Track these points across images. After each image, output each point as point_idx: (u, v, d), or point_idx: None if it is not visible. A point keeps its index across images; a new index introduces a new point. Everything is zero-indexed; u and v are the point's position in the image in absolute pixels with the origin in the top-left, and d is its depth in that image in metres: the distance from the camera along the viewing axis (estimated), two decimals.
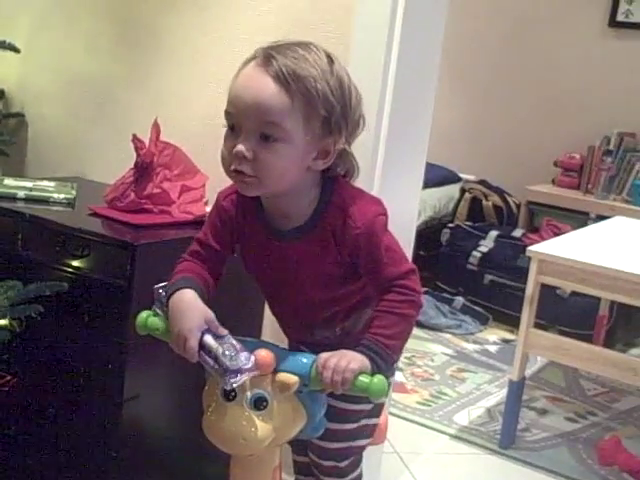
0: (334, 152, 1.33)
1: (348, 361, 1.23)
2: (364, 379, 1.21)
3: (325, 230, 1.35)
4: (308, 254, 1.37)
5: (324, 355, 1.26)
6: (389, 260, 1.34)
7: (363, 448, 1.57)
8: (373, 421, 1.56)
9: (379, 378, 1.21)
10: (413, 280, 1.35)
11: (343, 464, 1.55)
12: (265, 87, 1.26)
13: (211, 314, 1.31)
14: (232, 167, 1.29)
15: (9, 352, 2.00)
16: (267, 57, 1.28)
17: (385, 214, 1.38)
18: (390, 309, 1.32)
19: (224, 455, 1.39)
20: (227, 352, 1.21)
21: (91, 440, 1.93)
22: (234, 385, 1.19)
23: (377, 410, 1.56)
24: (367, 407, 1.51)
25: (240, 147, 1.26)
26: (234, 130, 1.30)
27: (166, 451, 2.07)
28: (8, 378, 2.06)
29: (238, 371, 1.19)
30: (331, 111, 1.29)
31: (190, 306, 1.32)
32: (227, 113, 1.31)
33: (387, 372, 1.29)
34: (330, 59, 1.32)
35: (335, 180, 1.39)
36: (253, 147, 1.27)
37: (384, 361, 1.28)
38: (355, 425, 1.52)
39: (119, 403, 1.87)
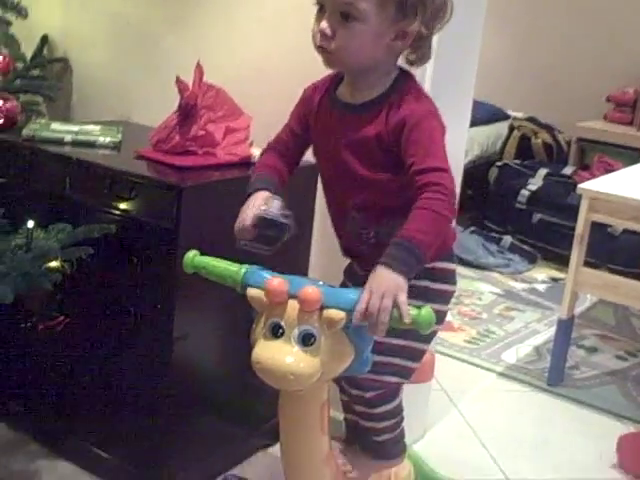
0: (411, 34, 1.41)
1: (387, 301, 1.23)
2: (411, 312, 1.20)
3: (382, 110, 1.43)
4: (361, 125, 1.45)
5: (363, 300, 1.25)
6: (431, 150, 1.38)
7: (391, 385, 1.57)
8: (403, 362, 1.56)
9: (426, 310, 1.20)
10: (447, 179, 1.36)
11: (368, 395, 1.56)
12: None
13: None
14: (316, 42, 1.43)
15: (61, 293, 2.04)
16: None
17: (439, 117, 1.44)
18: (426, 207, 1.33)
19: (273, 392, 1.41)
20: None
21: (142, 379, 1.97)
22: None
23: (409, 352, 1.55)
24: None
25: (323, 24, 1.39)
26: (321, 10, 1.42)
27: (216, 389, 2.11)
28: (61, 318, 2.11)
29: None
30: None
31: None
32: None
33: (417, 271, 1.30)
34: None
35: (408, 76, 1.49)
36: (333, 25, 1.39)
37: (416, 259, 1.29)
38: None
39: (169, 342, 1.90)
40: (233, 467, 2.14)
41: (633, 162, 3.57)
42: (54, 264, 1.93)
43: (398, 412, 1.64)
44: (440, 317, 1.51)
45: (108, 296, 2.01)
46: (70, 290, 2.03)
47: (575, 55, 4.71)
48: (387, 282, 1.25)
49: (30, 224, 1.90)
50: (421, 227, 1.31)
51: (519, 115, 4.68)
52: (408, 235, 1.30)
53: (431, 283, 1.53)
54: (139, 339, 1.96)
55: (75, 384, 2.13)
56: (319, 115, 1.55)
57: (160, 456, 1.99)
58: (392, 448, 1.67)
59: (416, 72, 2.00)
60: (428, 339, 1.55)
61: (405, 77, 1.48)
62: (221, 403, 2.13)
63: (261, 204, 1.47)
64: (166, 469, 1.99)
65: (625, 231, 3.77)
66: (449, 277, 1.58)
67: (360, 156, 1.47)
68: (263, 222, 1.42)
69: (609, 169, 3.80)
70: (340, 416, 1.88)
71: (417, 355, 1.58)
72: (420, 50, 1.47)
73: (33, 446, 2.20)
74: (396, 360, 1.54)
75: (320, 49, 1.42)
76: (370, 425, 1.62)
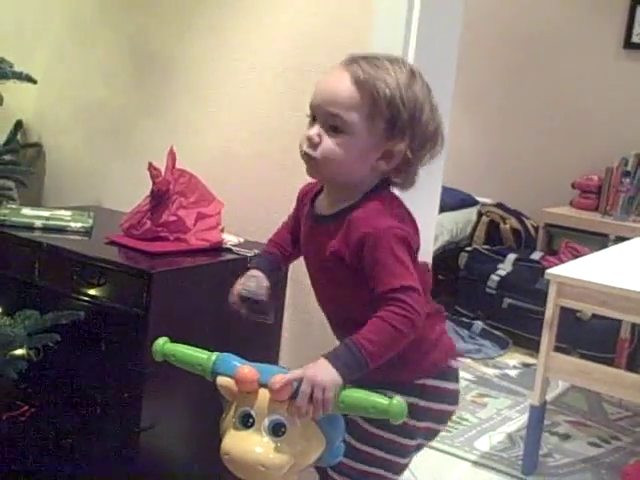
0: (397, 156, 1.40)
1: (323, 388, 1.23)
2: (382, 401, 1.19)
3: (345, 224, 1.40)
4: (326, 239, 1.42)
5: (297, 374, 1.25)
6: (395, 270, 1.34)
7: (376, 477, 1.51)
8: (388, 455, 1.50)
9: (397, 400, 1.19)
10: (414, 298, 1.33)
11: None
12: (339, 81, 1.39)
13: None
14: (302, 148, 1.42)
15: (26, 382, 2.00)
16: (352, 59, 1.41)
17: (403, 231, 1.38)
18: (383, 318, 1.31)
19: None
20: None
21: (109, 470, 1.93)
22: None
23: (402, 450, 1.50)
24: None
25: (311, 131, 1.40)
26: (314, 120, 1.42)
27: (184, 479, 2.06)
28: (25, 408, 2.06)
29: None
30: (397, 115, 1.38)
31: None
32: (310, 104, 1.44)
33: (357, 375, 1.27)
34: (412, 74, 1.42)
35: (383, 189, 1.44)
36: (321, 134, 1.39)
37: (358, 365, 1.27)
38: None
39: (136, 432, 1.87)
40: None
41: (600, 247, 3.63)
42: (19, 352, 1.90)
43: None
44: (431, 434, 1.52)
45: (75, 384, 1.98)
46: (35, 378, 2.00)
47: (541, 144, 4.83)
48: (323, 374, 1.25)
49: None
50: (372, 337, 1.29)
51: (487, 201, 4.76)
52: (357, 341, 1.29)
53: (420, 400, 1.46)
54: (106, 429, 1.93)
55: (41, 474, 2.06)
56: (303, 220, 1.55)
57: None
58: None
59: None
60: (411, 435, 1.48)
61: (377, 189, 1.44)
62: None
63: (244, 282, 1.52)
64: None
65: (594, 316, 3.79)
66: (444, 396, 1.51)
67: (324, 271, 1.46)
68: (245, 297, 1.50)
69: (576, 254, 3.86)
70: None
71: (402, 450, 1.50)
72: (404, 174, 1.45)
73: None
74: (380, 452, 1.48)
75: (305, 156, 1.41)
76: None
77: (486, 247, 4.50)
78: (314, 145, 1.39)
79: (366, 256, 1.36)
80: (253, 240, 2.18)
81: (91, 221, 2.22)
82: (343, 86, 1.38)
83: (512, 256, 4.31)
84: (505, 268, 4.28)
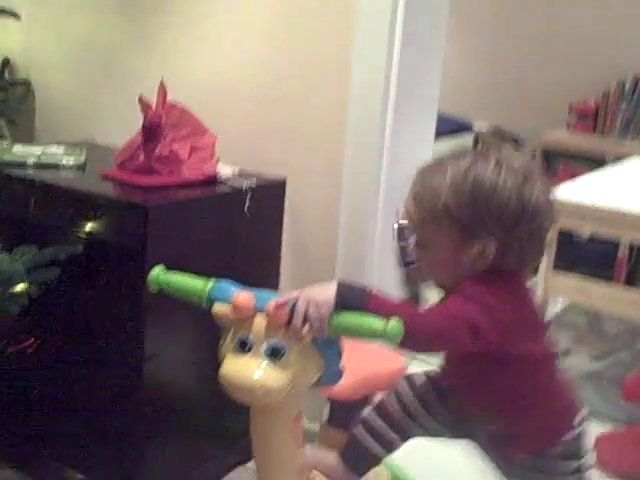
0: (488, 253, 1.35)
1: (317, 306, 1.23)
2: (379, 324, 1.19)
3: None
4: None
5: (294, 295, 1.25)
6: (464, 291, 1.33)
7: None
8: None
9: (394, 322, 1.19)
10: (460, 320, 1.28)
11: None
12: (409, 204, 1.41)
13: None
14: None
15: (29, 316, 2.02)
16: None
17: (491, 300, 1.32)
18: (413, 308, 1.33)
19: (245, 409, 1.40)
20: None
21: (113, 400, 1.95)
22: None
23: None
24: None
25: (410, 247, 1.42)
26: None
27: (189, 407, 2.09)
28: (31, 340, 2.08)
29: None
30: (462, 218, 1.34)
31: None
32: None
33: (354, 306, 1.26)
34: (471, 166, 1.36)
35: (488, 273, 1.38)
36: (419, 252, 1.42)
37: (357, 302, 1.25)
38: None
39: (139, 362, 1.89)
40: None
41: (597, 170, 3.61)
42: (20, 287, 1.91)
43: None
44: None
45: (77, 317, 1.99)
46: (38, 312, 2.01)
47: (538, 66, 4.76)
48: (318, 293, 1.24)
49: None
50: (386, 302, 1.27)
51: (483, 126, 4.72)
52: (371, 291, 1.28)
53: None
54: (109, 359, 1.95)
55: (47, 406, 2.10)
56: None
57: (135, 477, 1.97)
58: None
59: (379, 87, 2.04)
60: None
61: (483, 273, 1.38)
62: (195, 421, 2.12)
63: None
64: None
65: (591, 238, 3.80)
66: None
67: None
68: None
69: (574, 177, 3.83)
70: (314, 427, 1.88)
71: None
72: (513, 259, 1.38)
73: (6, 471, 2.17)
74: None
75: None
76: None
77: None
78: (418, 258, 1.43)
79: None
80: (248, 170, 2.17)
81: (84, 157, 2.21)
82: (409, 206, 1.40)
83: None
84: None
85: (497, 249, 1.35)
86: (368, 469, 1.64)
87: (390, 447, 1.60)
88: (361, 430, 1.59)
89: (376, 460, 1.62)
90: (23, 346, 2.09)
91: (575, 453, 1.49)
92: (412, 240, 1.43)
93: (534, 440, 1.47)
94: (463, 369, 1.48)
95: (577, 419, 1.49)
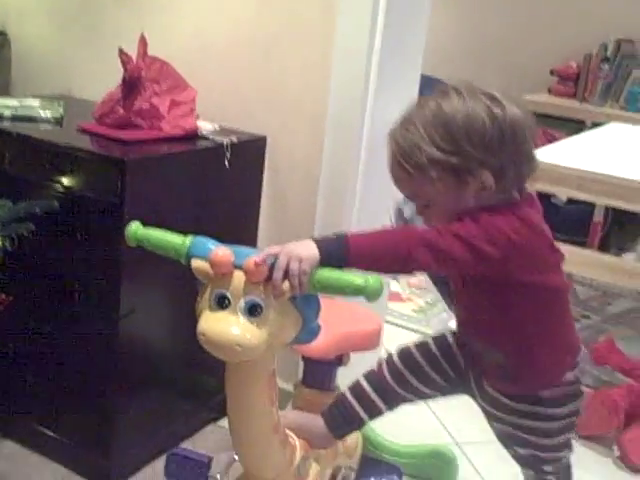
0: (488, 185, 1.33)
1: (299, 260, 1.21)
2: (358, 280, 1.20)
3: None
4: None
5: (274, 251, 1.23)
6: (464, 223, 1.30)
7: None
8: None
9: (375, 278, 1.20)
10: (449, 242, 1.27)
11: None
12: (395, 170, 1.38)
13: None
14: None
15: (3, 272, 2.00)
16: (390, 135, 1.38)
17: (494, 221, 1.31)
18: (393, 231, 1.33)
19: (220, 366, 1.40)
20: None
21: (89, 356, 1.95)
22: None
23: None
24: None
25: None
26: None
27: (163, 365, 2.10)
28: (3, 297, 2.06)
29: None
30: (449, 160, 1.32)
31: None
32: None
33: (334, 265, 1.24)
34: (441, 100, 1.35)
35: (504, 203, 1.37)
36: (416, 210, 1.41)
37: (338, 255, 1.24)
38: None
39: (115, 319, 1.88)
40: (182, 441, 2.13)
41: (577, 133, 3.62)
42: None
43: None
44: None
45: (52, 274, 1.98)
46: (13, 268, 1.99)
47: (520, 30, 4.73)
48: (301, 248, 1.23)
49: None
50: (364, 240, 1.27)
51: None
52: (347, 235, 1.27)
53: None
54: (85, 316, 1.94)
55: (19, 362, 2.09)
56: None
57: (108, 433, 1.98)
58: None
59: (363, 45, 2.02)
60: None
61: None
62: (169, 378, 2.13)
63: None
64: (115, 446, 1.98)
65: (569, 201, 3.83)
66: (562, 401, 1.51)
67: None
68: None
69: (553, 141, 3.84)
70: (288, 386, 1.89)
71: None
72: (507, 181, 1.36)
73: None
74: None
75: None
76: None
77: None
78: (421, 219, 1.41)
79: None
80: (229, 127, 2.15)
81: (61, 110, 2.18)
82: (395, 171, 1.38)
83: None
84: None
85: (494, 178, 1.33)
86: (349, 432, 1.65)
87: (375, 414, 1.61)
88: (349, 394, 1.61)
89: (360, 425, 1.63)
90: None
91: (572, 395, 1.50)
92: (410, 214, 1.44)
93: (537, 377, 1.47)
94: (473, 299, 1.46)
95: (578, 359, 1.51)
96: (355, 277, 1.21)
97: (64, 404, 2.03)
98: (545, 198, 3.49)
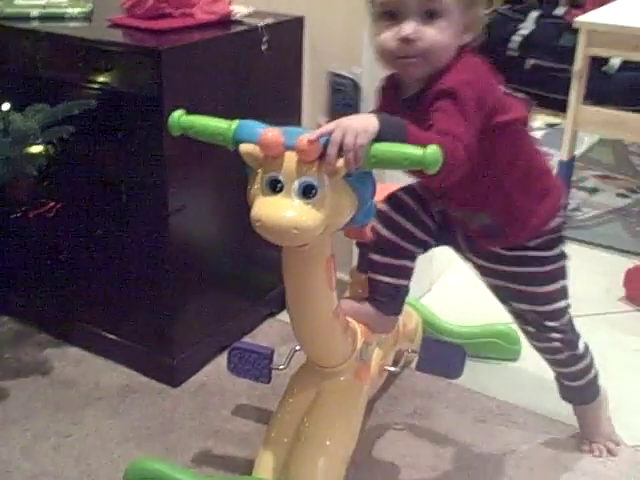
0: (477, 24, 1.36)
1: (355, 134, 1.15)
2: (417, 151, 1.13)
3: (428, 98, 1.31)
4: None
5: (329, 126, 1.18)
6: (454, 116, 1.24)
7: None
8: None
9: (432, 148, 1.13)
10: (457, 147, 1.21)
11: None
12: None
13: None
14: (400, 53, 1.32)
15: (48, 178, 1.97)
16: None
17: (480, 83, 1.31)
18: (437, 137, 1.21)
19: (275, 260, 1.37)
20: None
21: (141, 257, 1.93)
22: None
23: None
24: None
25: (407, 29, 1.29)
26: (392, 17, 1.32)
27: (217, 261, 2.08)
28: (51, 204, 2.05)
29: None
30: None
31: None
32: (382, 3, 1.33)
33: (391, 136, 1.19)
34: None
35: (464, 51, 1.36)
36: (418, 27, 1.30)
37: (398, 132, 1.19)
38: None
39: (165, 216, 1.85)
40: (243, 337, 2.13)
41: None
42: (36, 148, 1.86)
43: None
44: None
45: (97, 175, 1.94)
46: (57, 174, 1.97)
47: None
48: (357, 120, 1.18)
49: (5, 107, 1.81)
50: (421, 135, 1.21)
51: None
52: (407, 123, 1.21)
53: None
54: (134, 216, 1.91)
55: (74, 269, 2.09)
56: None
57: (167, 332, 1.98)
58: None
59: None
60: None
61: (458, 55, 1.35)
62: (224, 275, 2.11)
63: None
64: (177, 344, 1.99)
65: (621, 68, 3.66)
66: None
67: None
68: None
69: (605, 3, 3.65)
70: (346, 277, 1.85)
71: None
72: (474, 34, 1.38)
73: (40, 336, 2.20)
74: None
75: (402, 59, 1.32)
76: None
77: (505, 7, 4.28)
78: (411, 43, 1.29)
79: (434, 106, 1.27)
80: (263, 10, 2.05)
81: (90, 5, 2.10)
82: None
83: (534, 14, 4.09)
84: (527, 27, 4.07)
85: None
86: (397, 306, 1.63)
87: (401, 273, 1.61)
88: (370, 271, 1.61)
89: (400, 293, 1.62)
90: (44, 210, 2.06)
91: (558, 239, 1.56)
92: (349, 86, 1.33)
93: (523, 227, 1.50)
94: None
95: (562, 202, 1.55)
96: (412, 148, 1.14)
97: (123, 307, 2.03)
98: (597, 67, 3.36)
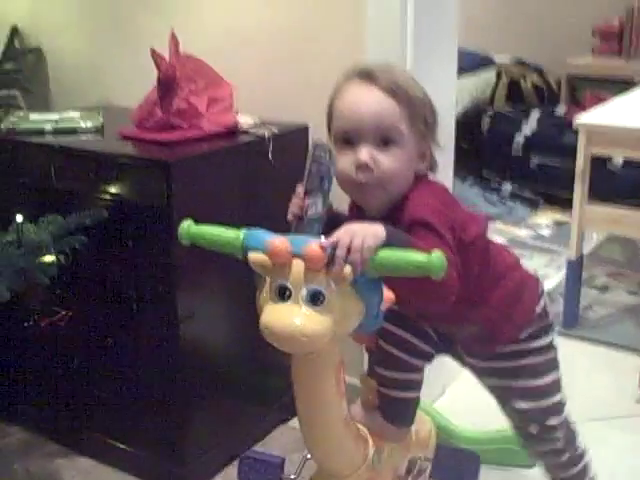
0: (429, 153, 1.42)
1: (363, 237, 1.17)
2: (421, 257, 1.14)
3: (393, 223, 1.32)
4: None
5: (337, 233, 1.20)
6: (427, 238, 1.28)
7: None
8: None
9: (437, 254, 1.14)
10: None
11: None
12: (378, 97, 1.36)
13: None
14: (357, 179, 1.36)
15: (60, 287, 1.99)
16: (368, 74, 1.38)
17: (447, 215, 1.35)
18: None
19: (286, 365, 1.36)
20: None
21: (151, 365, 1.93)
22: None
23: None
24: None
25: (363, 155, 1.34)
26: (349, 144, 1.37)
27: (228, 368, 2.07)
28: (63, 313, 2.06)
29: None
30: (424, 115, 1.39)
31: None
32: (341, 131, 1.39)
33: (394, 241, 1.21)
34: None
35: (421, 178, 1.42)
36: (374, 154, 1.35)
37: (402, 238, 1.23)
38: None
39: (175, 324, 1.86)
40: (254, 444, 2.10)
41: (624, 93, 3.51)
42: (49, 258, 1.88)
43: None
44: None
45: (108, 284, 1.96)
46: (68, 283, 1.99)
47: None
48: (365, 227, 1.20)
49: (19, 218, 1.85)
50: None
51: (506, 59, 4.60)
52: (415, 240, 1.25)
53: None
54: (144, 324, 1.92)
55: (84, 378, 2.09)
56: None
57: (179, 441, 1.95)
58: None
59: (396, 24, 1.96)
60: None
61: (416, 182, 1.41)
62: (234, 381, 2.09)
63: None
64: (188, 453, 1.96)
65: (625, 165, 3.72)
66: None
67: None
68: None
69: (601, 102, 3.73)
70: (356, 381, 1.84)
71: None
72: (429, 162, 1.45)
73: (50, 446, 2.17)
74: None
75: (359, 185, 1.36)
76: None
77: (507, 108, 4.38)
78: (368, 169, 1.34)
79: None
80: (269, 119, 2.11)
81: (101, 119, 2.16)
82: (382, 100, 1.35)
83: (536, 114, 4.20)
84: (530, 127, 4.17)
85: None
86: (407, 417, 1.61)
87: (410, 385, 1.61)
88: (378, 384, 1.61)
89: (409, 405, 1.62)
90: (56, 319, 2.08)
91: (545, 327, 1.58)
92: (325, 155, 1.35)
93: (511, 325, 1.53)
94: None
95: (539, 291, 1.58)
96: (417, 254, 1.16)
97: (133, 416, 2.02)
98: (601, 164, 3.41)
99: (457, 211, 1.42)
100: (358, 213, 1.45)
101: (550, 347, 1.59)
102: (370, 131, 1.35)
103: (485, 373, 1.63)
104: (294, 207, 1.33)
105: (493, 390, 1.65)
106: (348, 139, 1.37)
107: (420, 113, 1.39)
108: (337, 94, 1.42)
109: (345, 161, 1.36)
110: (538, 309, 1.56)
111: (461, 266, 1.31)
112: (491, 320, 1.51)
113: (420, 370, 1.62)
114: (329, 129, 1.44)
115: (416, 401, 1.62)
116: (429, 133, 1.41)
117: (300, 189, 1.33)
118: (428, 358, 1.62)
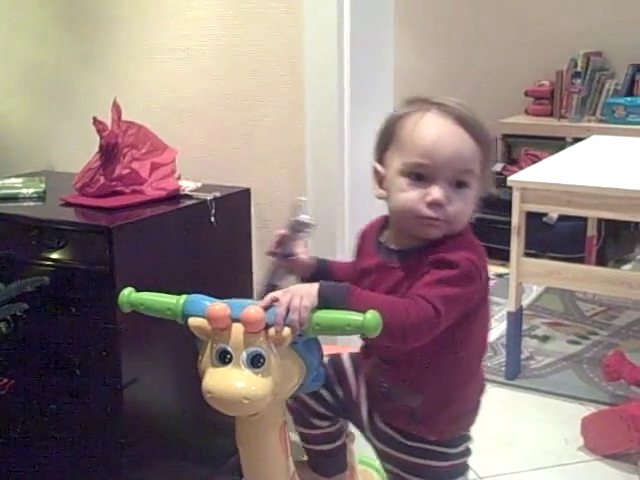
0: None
1: (300, 297, 1.21)
2: (357, 317, 1.18)
3: (423, 261, 1.32)
4: (396, 274, 1.35)
5: (276, 293, 1.23)
6: (437, 287, 1.26)
7: None
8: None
9: (372, 314, 1.18)
10: (431, 314, 1.23)
11: None
12: (463, 139, 1.32)
13: None
14: (427, 214, 1.31)
15: (1, 355, 1.97)
16: (447, 110, 1.33)
17: (477, 266, 1.32)
18: (392, 300, 1.25)
19: (230, 426, 1.37)
20: None
21: (96, 430, 1.91)
22: None
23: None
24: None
25: (438, 195, 1.30)
26: (420, 178, 1.32)
27: (174, 430, 2.06)
28: (5, 381, 2.03)
29: None
30: (491, 160, 1.38)
31: None
32: (415, 164, 1.32)
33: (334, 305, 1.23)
34: None
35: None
36: (448, 194, 1.31)
37: (341, 301, 1.23)
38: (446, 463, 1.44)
39: (119, 389, 1.85)
40: None
41: (559, 151, 3.64)
42: None
43: None
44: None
45: (51, 350, 1.95)
46: (11, 350, 1.97)
47: (490, 56, 4.80)
48: (302, 287, 1.24)
49: None
50: (368, 299, 1.24)
51: None
52: (352, 287, 1.26)
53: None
54: (87, 390, 1.91)
55: (28, 446, 2.05)
56: (365, 255, 1.45)
57: None
58: None
59: (332, 89, 2.03)
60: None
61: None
62: (182, 444, 2.08)
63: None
64: None
65: (560, 219, 3.84)
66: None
67: None
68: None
69: (536, 160, 3.86)
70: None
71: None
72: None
73: None
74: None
75: (427, 219, 1.31)
76: None
77: None
78: (442, 207, 1.30)
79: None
80: (211, 184, 2.14)
81: (43, 185, 2.17)
82: (466, 142, 1.31)
83: None
84: None
85: None
86: (334, 468, 1.60)
87: (328, 438, 1.56)
88: (304, 441, 1.58)
89: (334, 457, 1.58)
90: None
91: (466, 436, 1.47)
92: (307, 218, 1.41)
93: (450, 421, 1.42)
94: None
95: (480, 397, 1.48)
96: (353, 314, 1.20)
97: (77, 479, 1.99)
98: (537, 217, 3.52)
99: (483, 273, 1.36)
100: (376, 240, 1.43)
101: (464, 454, 1.46)
102: (450, 171, 1.30)
103: (384, 457, 1.49)
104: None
105: (388, 474, 1.50)
106: (421, 174, 1.32)
107: (492, 159, 1.39)
108: (408, 122, 1.34)
109: (414, 196, 1.31)
110: (473, 415, 1.46)
111: (448, 328, 1.28)
112: (437, 399, 1.39)
113: (330, 425, 1.55)
114: (382, 153, 1.39)
115: (341, 448, 1.59)
116: (488, 179, 1.39)
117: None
118: (328, 418, 1.54)
